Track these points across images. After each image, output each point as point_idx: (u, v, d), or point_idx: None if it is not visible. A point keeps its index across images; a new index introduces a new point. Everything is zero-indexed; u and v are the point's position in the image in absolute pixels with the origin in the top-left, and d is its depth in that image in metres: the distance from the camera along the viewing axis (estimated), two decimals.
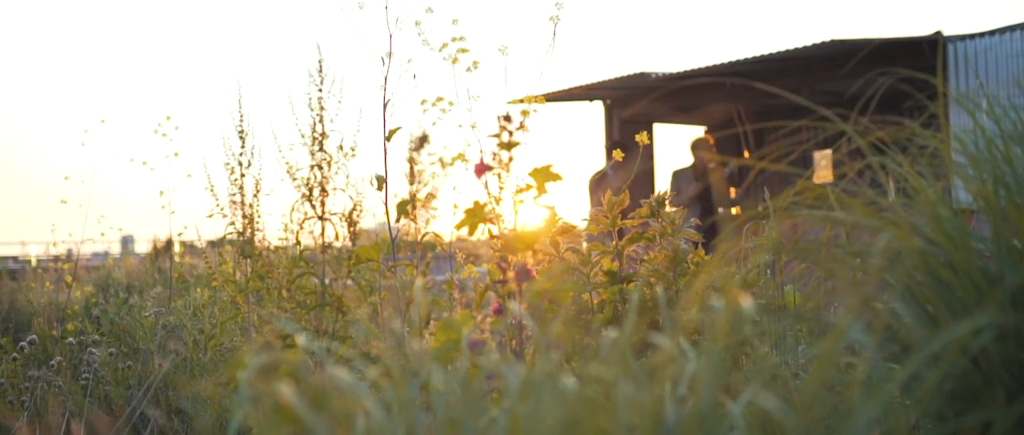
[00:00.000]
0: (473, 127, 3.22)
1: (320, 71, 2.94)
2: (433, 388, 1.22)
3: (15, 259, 18.16)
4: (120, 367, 3.87)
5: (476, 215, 2.39)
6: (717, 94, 11.85)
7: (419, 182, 3.30)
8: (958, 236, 1.83)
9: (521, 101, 3.08)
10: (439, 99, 3.33)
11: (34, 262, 10.93)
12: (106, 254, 17.26)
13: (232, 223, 3.01)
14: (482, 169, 2.33)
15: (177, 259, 8.63)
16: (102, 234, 6.69)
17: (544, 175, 2.40)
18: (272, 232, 3.15)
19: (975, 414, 1.52)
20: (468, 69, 3.21)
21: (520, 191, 2.37)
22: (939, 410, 1.62)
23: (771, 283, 2.97)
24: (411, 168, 3.34)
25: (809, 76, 11.47)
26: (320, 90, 2.93)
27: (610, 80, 11.99)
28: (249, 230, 3.00)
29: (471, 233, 2.41)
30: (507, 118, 2.30)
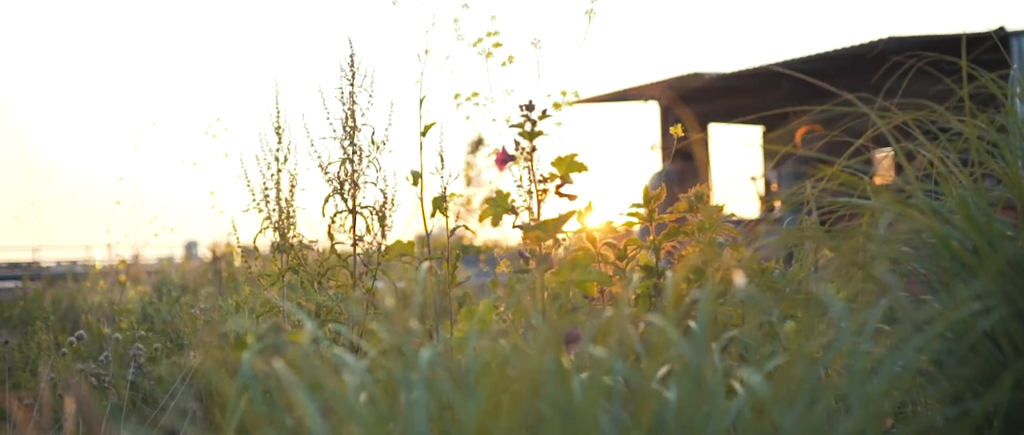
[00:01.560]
0: (507, 121, 3.22)
1: (352, 65, 2.96)
2: (418, 366, 1.22)
3: (82, 264, 18.61)
4: (165, 362, 3.94)
5: (499, 205, 2.38)
6: (772, 94, 11.72)
7: (476, 184, 3.31)
8: (983, 220, 1.79)
9: (563, 98, 3.07)
10: (475, 93, 3.33)
11: (99, 267, 11.18)
12: (170, 258, 17.64)
13: (268, 218, 3.05)
14: (503, 159, 2.33)
15: (236, 261, 8.77)
16: (155, 235, 6.82)
17: (568, 164, 2.38)
18: (308, 228, 3.18)
19: (992, 396, 1.48)
20: (503, 64, 3.21)
21: (543, 180, 2.36)
22: (958, 392, 1.57)
23: (804, 273, 2.92)
24: (466, 171, 3.36)
25: (866, 74, 11.26)
26: (351, 84, 2.95)
27: (664, 80, 11.94)
28: (284, 225, 3.03)
29: (495, 224, 2.40)
30: (529, 107, 2.29)
